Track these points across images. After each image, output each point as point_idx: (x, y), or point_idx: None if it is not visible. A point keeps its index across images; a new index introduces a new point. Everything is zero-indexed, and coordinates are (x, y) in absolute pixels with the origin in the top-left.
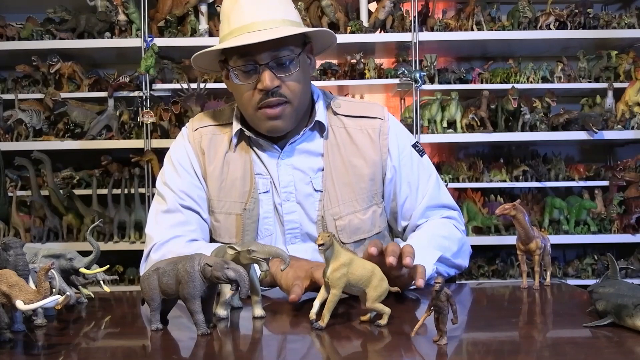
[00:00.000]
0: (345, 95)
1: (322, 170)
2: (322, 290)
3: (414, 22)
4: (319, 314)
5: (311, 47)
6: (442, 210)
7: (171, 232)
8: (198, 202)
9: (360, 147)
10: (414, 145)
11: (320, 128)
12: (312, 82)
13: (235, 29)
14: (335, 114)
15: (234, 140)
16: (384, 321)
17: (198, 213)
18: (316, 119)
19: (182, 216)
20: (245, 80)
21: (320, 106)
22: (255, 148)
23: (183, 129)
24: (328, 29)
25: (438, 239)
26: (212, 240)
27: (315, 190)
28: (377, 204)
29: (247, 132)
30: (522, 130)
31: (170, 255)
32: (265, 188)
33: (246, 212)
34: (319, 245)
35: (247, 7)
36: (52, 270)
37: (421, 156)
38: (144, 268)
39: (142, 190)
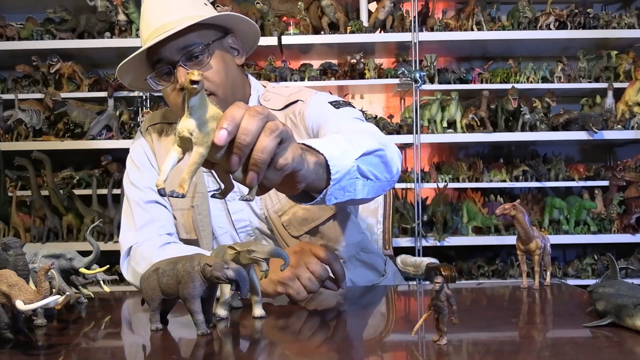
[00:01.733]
0: (345, 96)
1: None
2: (174, 153)
3: (414, 22)
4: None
5: (236, 37)
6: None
7: (142, 235)
8: None
9: None
10: (330, 102)
11: None
12: (313, 81)
13: (145, 40)
14: None
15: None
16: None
17: (164, 206)
18: None
19: (149, 215)
20: (166, 84)
21: (252, 100)
22: None
23: (138, 128)
24: (230, 13)
25: (351, 133)
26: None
27: None
28: None
29: None
30: (522, 130)
31: (143, 261)
32: (215, 186)
33: (194, 208)
34: (194, 82)
35: (150, 16)
36: (52, 270)
37: (337, 108)
38: (127, 271)
39: None
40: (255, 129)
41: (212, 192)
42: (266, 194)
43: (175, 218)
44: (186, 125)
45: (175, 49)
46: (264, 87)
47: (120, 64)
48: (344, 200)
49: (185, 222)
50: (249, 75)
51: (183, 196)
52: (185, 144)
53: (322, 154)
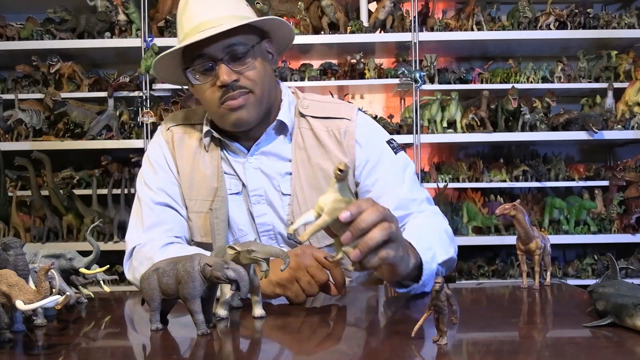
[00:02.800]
0: (345, 96)
1: (290, 174)
2: (311, 213)
3: (414, 22)
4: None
5: (271, 42)
6: (421, 204)
7: (147, 236)
8: (174, 199)
9: (328, 149)
10: (389, 142)
11: (285, 129)
12: (313, 81)
13: (187, 33)
14: (302, 115)
15: (205, 141)
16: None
17: (175, 209)
18: (278, 118)
19: (157, 217)
20: (205, 79)
21: (284, 105)
22: (224, 150)
23: (158, 128)
24: (276, 17)
25: (440, 236)
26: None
27: (284, 194)
28: None
29: (215, 134)
30: (522, 130)
31: (146, 261)
32: (237, 189)
33: (212, 211)
34: (340, 171)
35: (195, 10)
36: (52, 270)
37: (396, 153)
38: (128, 271)
39: None
40: (371, 221)
41: (329, 256)
42: (295, 200)
43: (190, 220)
44: (326, 198)
45: (221, 46)
46: (293, 93)
47: (160, 55)
48: (418, 292)
49: (201, 225)
50: (279, 80)
51: (301, 243)
52: (320, 211)
53: (421, 258)
